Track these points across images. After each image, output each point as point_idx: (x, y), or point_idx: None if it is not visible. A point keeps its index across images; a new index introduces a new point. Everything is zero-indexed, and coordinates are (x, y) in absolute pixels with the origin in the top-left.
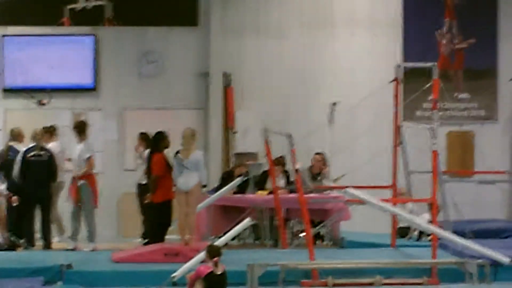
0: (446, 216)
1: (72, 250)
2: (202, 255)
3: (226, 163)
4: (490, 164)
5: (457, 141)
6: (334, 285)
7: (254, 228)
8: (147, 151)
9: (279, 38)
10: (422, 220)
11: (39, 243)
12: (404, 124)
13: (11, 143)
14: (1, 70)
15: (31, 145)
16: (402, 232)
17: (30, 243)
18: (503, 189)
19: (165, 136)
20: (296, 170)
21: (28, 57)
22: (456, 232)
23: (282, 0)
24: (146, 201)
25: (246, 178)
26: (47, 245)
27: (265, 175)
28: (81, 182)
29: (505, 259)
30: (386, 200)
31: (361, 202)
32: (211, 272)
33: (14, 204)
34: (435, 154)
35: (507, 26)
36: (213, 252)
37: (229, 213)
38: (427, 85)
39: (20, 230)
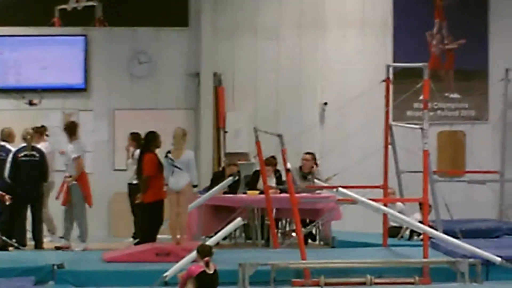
0: (437, 216)
1: (62, 248)
2: (193, 254)
3: (217, 163)
4: (480, 164)
5: (448, 141)
6: (326, 284)
7: (245, 227)
8: (138, 151)
9: (270, 38)
10: (413, 219)
11: (30, 243)
12: (395, 124)
13: (2, 143)
14: None
15: (21, 145)
16: (393, 231)
17: (22, 243)
18: (494, 189)
19: (156, 136)
20: (287, 170)
21: (18, 57)
22: (447, 232)
23: (273, 1)
24: (137, 201)
25: (237, 178)
26: (39, 245)
27: (256, 175)
28: (72, 182)
29: (496, 259)
30: (377, 200)
31: (352, 201)
32: (203, 271)
33: (7, 203)
34: (426, 154)
35: (497, 26)
36: (204, 252)
37: (220, 213)
38: (418, 86)
39: (12, 230)
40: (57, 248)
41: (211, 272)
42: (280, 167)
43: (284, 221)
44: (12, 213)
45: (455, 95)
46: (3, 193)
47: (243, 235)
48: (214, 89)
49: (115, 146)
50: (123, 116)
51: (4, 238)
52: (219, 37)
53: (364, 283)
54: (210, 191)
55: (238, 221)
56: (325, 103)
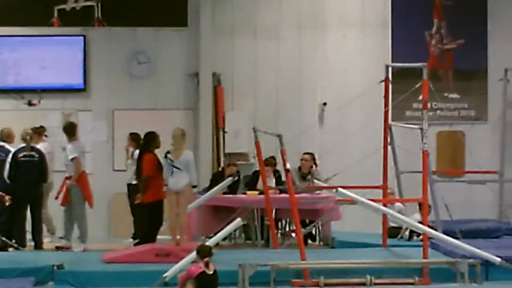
0: (437, 216)
1: (63, 249)
2: (193, 255)
3: (217, 163)
4: (480, 164)
5: (447, 141)
6: (325, 285)
7: (245, 228)
8: (137, 151)
9: (270, 38)
10: (413, 220)
11: (30, 243)
12: (394, 124)
13: (2, 144)
14: None
15: (21, 146)
16: (393, 232)
17: (21, 244)
18: (493, 189)
19: (156, 136)
20: (287, 170)
21: (18, 58)
22: (447, 232)
23: (273, 1)
24: (136, 202)
25: (236, 178)
26: (39, 246)
27: (256, 175)
28: (71, 183)
29: (496, 259)
30: (377, 200)
31: (352, 202)
32: (203, 272)
33: (7, 204)
34: (425, 154)
35: (496, 26)
36: (204, 252)
37: (219, 213)
38: (417, 86)
39: (11, 231)
40: (58, 248)
41: (211, 272)
42: (279, 167)
43: (283, 222)
44: (12, 214)
45: (454, 95)
46: (3, 194)
47: (243, 235)
48: (214, 89)
49: (114, 147)
50: (123, 116)
51: (3, 238)
52: (218, 37)
53: (363, 284)
54: (210, 192)
55: (238, 221)
56: (325, 103)
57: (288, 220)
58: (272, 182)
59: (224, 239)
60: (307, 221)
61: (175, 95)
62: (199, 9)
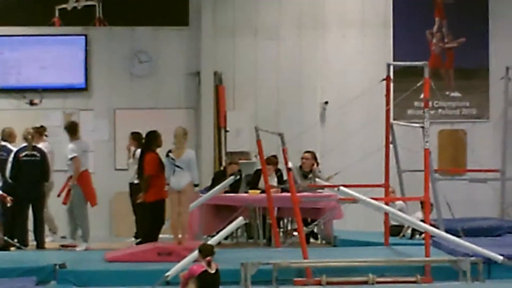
0: (439, 215)
1: (69, 247)
2: (195, 254)
3: (218, 162)
4: (481, 163)
5: (448, 139)
6: (328, 283)
7: (247, 227)
8: (139, 150)
9: (270, 38)
10: (414, 218)
11: (32, 243)
12: (396, 122)
13: (3, 143)
14: None
15: (23, 145)
16: (395, 230)
17: (23, 243)
18: (495, 187)
19: (157, 136)
20: (289, 169)
21: (19, 57)
22: (449, 231)
23: (273, 1)
24: (138, 201)
25: (238, 177)
26: (41, 245)
27: (257, 174)
28: (72, 183)
29: (498, 257)
30: (379, 199)
31: (354, 200)
32: (205, 271)
33: (9, 205)
34: (427, 152)
35: (497, 24)
36: (206, 251)
37: (221, 212)
38: (418, 84)
39: (13, 230)
40: (63, 246)
41: (213, 271)
42: (281, 166)
43: (285, 220)
44: (14, 213)
45: (456, 94)
46: (5, 195)
47: (245, 234)
48: (215, 88)
49: (116, 146)
50: (124, 116)
51: (6, 238)
52: (219, 36)
53: (366, 282)
54: (212, 191)
55: (240, 220)
56: (326, 102)
57: (290, 218)
58: (273, 181)
59: (226, 238)
60: (309, 219)
61: (176, 94)
62: (200, 9)
